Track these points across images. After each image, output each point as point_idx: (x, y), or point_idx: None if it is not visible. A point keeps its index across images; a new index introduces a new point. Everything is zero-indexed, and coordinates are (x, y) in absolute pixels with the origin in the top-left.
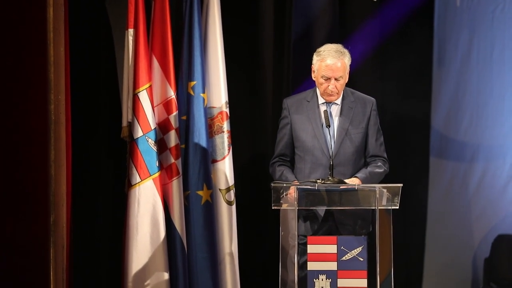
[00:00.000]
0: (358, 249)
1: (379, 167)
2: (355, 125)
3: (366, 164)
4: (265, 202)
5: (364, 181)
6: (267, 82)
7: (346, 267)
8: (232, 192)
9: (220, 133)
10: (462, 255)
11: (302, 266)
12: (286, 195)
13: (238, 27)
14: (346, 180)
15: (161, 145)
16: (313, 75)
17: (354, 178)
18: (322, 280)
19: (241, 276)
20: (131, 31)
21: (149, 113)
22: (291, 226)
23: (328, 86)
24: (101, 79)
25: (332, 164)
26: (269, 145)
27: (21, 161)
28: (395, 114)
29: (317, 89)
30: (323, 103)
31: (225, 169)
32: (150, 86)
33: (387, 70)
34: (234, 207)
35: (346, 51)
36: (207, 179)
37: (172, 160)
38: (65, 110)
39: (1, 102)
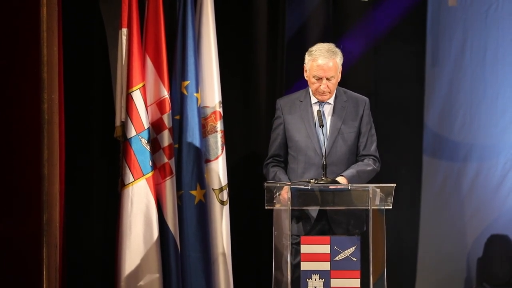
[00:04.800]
0: (351, 249)
1: (367, 165)
2: (348, 125)
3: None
4: (258, 202)
5: (351, 179)
6: (260, 81)
7: (339, 267)
8: (225, 192)
9: (214, 132)
10: (455, 255)
11: (296, 266)
12: (279, 195)
13: (232, 27)
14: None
15: (155, 144)
16: (305, 75)
17: (340, 177)
18: (316, 280)
19: (234, 276)
20: (124, 30)
21: (142, 113)
22: (284, 226)
23: (320, 85)
24: (95, 78)
25: (325, 164)
26: (263, 145)
27: (14, 160)
28: (388, 113)
29: (310, 88)
30: (315, 103)
31: (218, 169)
32: (144, 86)
33: (380, 69)
34: (227, 207)
35: (338, 51)
36: (201, 178)
37: (166, 160)
38: (59, 109)
39: None
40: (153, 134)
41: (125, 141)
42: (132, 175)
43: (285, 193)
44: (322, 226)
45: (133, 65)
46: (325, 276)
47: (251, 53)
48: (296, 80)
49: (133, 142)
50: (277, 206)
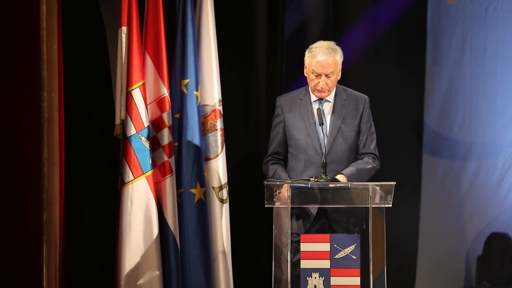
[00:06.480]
0: (351, 247)
1: (367, 163)
2: (348, 123)
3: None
4: (258, 200)
5: (350, 177)
6: (260, 80)
7: (339, 265)
8: (225, 190)
9: (213, 131)
10: (455, 253)
11: (295, 264)
12: (279, 193)
13: (232, 25)
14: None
15: (154, 143)
16: (305, 71)
17: (340, 176)
18: (315, 278)
19: (234, 274)
20: (124, 29)
21: (142, 111)
22: (284, 224)
23: (319, 82)
24: (94, 77)
25: (325, 162)
26: (262, 143)
27: (14, 159)
28: (388, 112)
29: (309, 86)
30: (315, 101)
31: (218, 167)
32: (143, 84)
33: (380, 68)
34: (227, 205)
35: (338, 48)
36: (200, 177)
37: (165, 158)
38: (58, 108)
39: None
40: (153, 132)
41: (125, 139)
42: (132, 173)
43: (285, 191)
44: (322, 224)
45: (133, 63)
46: (325, 274)
47: (251, 52)
48: (295, 79)
49: (133, 140)
50: (277, 204)
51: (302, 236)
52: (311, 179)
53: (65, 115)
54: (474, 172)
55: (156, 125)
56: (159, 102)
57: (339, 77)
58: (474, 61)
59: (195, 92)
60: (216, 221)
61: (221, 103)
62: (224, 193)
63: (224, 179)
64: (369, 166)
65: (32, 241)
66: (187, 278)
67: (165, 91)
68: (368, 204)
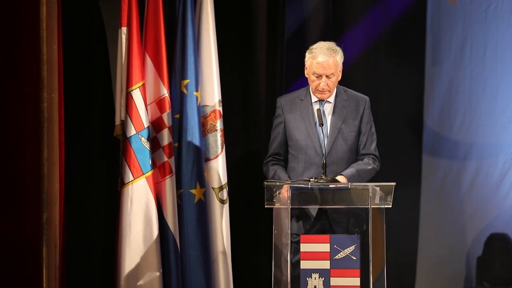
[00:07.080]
0: (351, 247)
1: (367, 164)
2: (348, 124)
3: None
4: (258, 200)
5: (350, 178)
6: (260, 80)
7: (339, 266)
8: (225, 191)
9: (213, 131)
10: (455, 254)
11: (295, 264)
12: (279, 194)
13: (232, 25)
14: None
15: (154, 143)
16: (305, 72)
17: (340, 176)
18: (315, 278)
19: (234, 275)
20: (124, 29)
21: (142, 112)
22: (284, 224)
23: (320, 83)
24: (94, 77)
25: (325, 163)
26: (262, 143)
27: (14, 159)
28: (388, 113)
29: (310, 87)
30: (316, 102)
31: (218, 168)
32: (143, 85)
33: (380, 68)
34: (227, 205)
35: (338, 49)
36: (200, 177)
37: (165, 159)
38: (58, 108)
39: None
40: (152, 133)
41: (125, 140)
42: (132, 174)
43: (285, 192)
44: (322, 225)
45: (133, 64)
46: (325, 274)
47: (251, 52)
48: (295, 80)
49: (133, 140)
50: (277, 205)
51: (302, 237)
52: (311, 179)
53: (65, 115)
54: (474, 172)
55: (156, 126)
56: (159, 103)
57: (339, 78)
58: (474, 61)
59: (195, 93)
60: (216, 222)
61: (221, 104)
62: (224, 194)
63: (224, 179)
64: (369, 167)
65: (32, 241)
66: (187, 279)
67: (165, 92)
68: (368, 205)
